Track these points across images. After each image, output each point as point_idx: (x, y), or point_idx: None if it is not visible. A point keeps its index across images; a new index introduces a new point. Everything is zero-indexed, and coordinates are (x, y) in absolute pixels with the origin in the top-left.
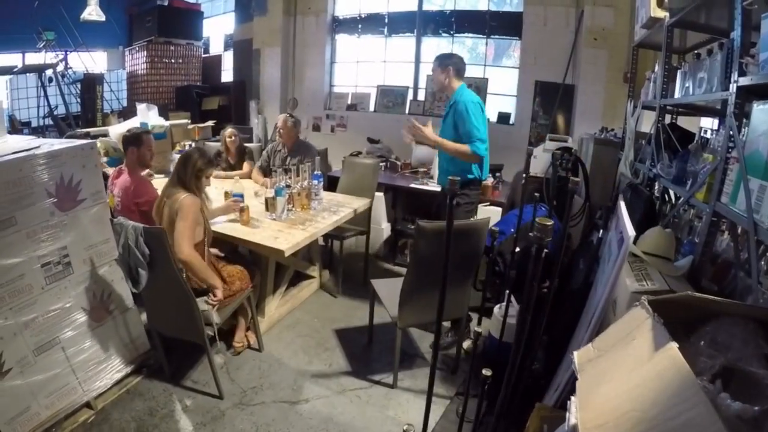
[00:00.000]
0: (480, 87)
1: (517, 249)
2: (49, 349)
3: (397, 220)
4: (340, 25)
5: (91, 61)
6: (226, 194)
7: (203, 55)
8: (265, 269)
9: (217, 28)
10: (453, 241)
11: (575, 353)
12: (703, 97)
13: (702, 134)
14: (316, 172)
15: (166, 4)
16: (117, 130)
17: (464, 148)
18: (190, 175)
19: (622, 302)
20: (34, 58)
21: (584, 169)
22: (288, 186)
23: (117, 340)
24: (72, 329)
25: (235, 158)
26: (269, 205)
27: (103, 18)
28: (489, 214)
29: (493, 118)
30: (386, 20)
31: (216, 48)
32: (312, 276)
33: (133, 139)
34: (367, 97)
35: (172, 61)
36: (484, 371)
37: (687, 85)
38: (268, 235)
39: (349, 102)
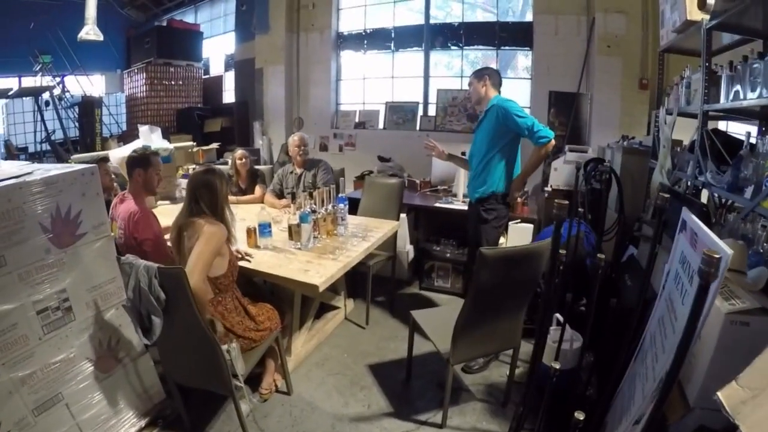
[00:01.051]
0: None
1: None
2: (51, 407)
3: (420, 241)
4: (345, 41)
5: (89, 84)
6: (249, 232)
7: (203, 76)
8: (290, 304)
9: (217, 48)
10: (515, 267)
11: (720, 394)
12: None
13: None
14: (340, 195)
15: (164, 24)
16: (118, 154)
17: (535, 152)
18: (216, 204)
19: (712, 325)
20: (30, 82)
21: (618, 180)
22: (313, 211)
23: (128, 391)
24: (76, 383)
25: (246, 182)
26: (293, 233)
27: (101, 38)
28: (521, 232)
29: None
30: (392, 35)
31: (216, 69)
32: (337, 306)
33: (141, 160)
34: (376, 114)
35: (172, 82)
36: (576, 414)
37: (735, 89)
38: (296, 268)
39: (357, 120)
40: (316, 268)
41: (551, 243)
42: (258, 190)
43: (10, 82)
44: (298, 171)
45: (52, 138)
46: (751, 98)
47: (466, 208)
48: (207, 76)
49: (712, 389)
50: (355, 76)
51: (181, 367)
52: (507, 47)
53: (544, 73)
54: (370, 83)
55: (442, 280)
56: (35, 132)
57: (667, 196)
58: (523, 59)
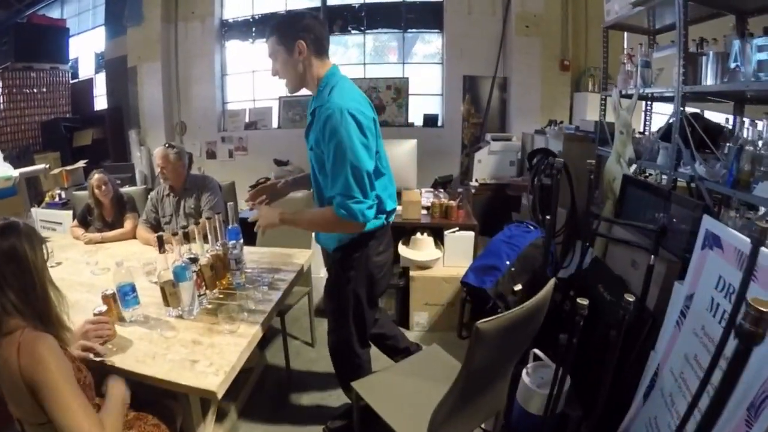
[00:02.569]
0: (401, 88)
1: (519, 287)
2: None
3: None
4: (230, 29)
5: None
6: (107, 301)
7: (71, 81)
8: (186, 403)
9: (86, 46)
10: (517, 331)
11: None
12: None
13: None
14: (230, 226)
15: (23, 21)
16: None
17: (327, 214)
18: (31, 291)
19: None
20: None
21: (569, 174)
22: (193, 260)
23: None
24: None
25: (113, 213)
26: (168, 295)
27: None
28: (461, 243)
29: (419, 121)
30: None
31: (86, 71)
32: (248, 367)
33: None
34: (269, 112)
35: (35, 90)
36: None
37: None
38: (179, 358)
39: (247, 120)
40: (209, 354)
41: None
42: (128, 222)
43: None
44: (174, 196)
45: None
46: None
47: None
48: (75, 80)
49: None
50: (244, 70)
51: None
52: (415, 29)
53: (456, 57)
54: (261, 77)
55: None
56: None
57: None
58: (432, 42)
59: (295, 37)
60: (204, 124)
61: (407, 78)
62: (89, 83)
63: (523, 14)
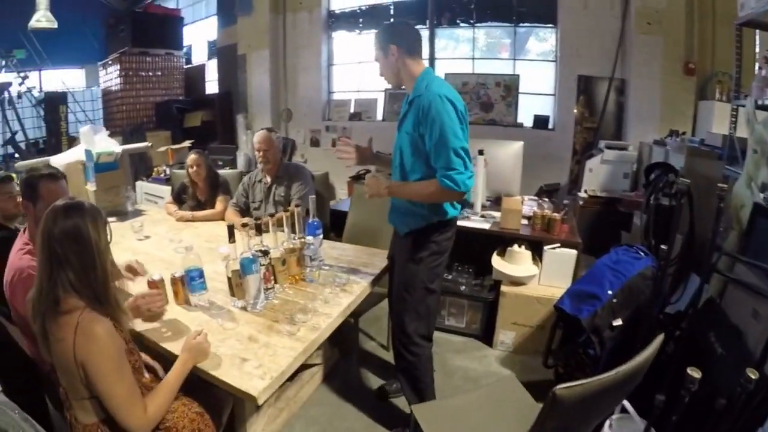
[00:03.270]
0: (510, 86)
1: (619, 322)
2: None
3: None
4: (338, 20)
5: (68, 78)
6: (175, 283)
7: (185, 66)
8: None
9: (200, 34)
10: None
11: None
12: None
13: None
14: (311, 220)
15: (140, 11)
16: (61, 160)
17: (432, 187)
18: (91, 270)
19: None
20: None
21: (690, 197)
22: (263, 252)
23: None
24: None
25: (206, 193)
26: (233, 286)
27: (55, 25)
28: (560, 262)
29: (528, 122)
30: (392, 11)
31: (199, 57)
32: (314, 364)
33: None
34: (374, 104)
35: (150, 73)
36: None
37: None
38: (229, 353)
39: (351, 110)
40: (260, 354)
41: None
42: (219, 203)
43: None
44: (268, 180)
45: (17, 139)
46: None
47: (486, 226)
48: (189, 66)
49: None
50: (350, 61)
51: None
52: (526, 24)
53: (571, 55)
54: (367, 68)
55: (455, 318)
56: (2, 133)
57: None
58: (547, 39)
59: (389, 42)
60: (309, 112)
61: (518, 75)
62: (201, 69)
63: (643, 10)
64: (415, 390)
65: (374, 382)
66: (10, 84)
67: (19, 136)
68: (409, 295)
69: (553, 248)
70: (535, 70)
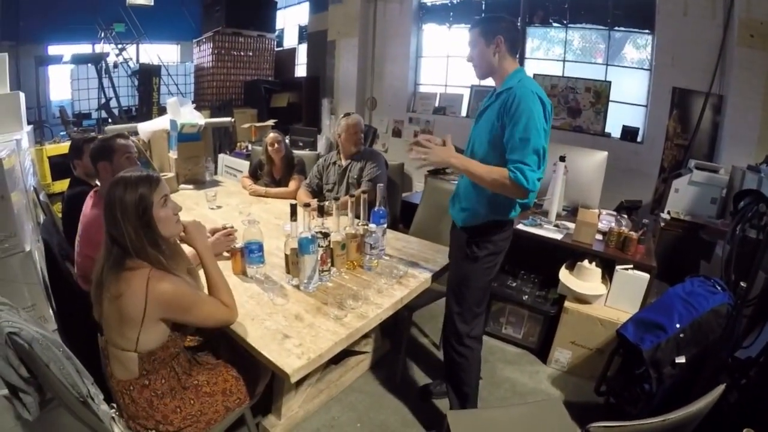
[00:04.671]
0: (601, 93)
1: (682, 359)
2: None
3: None
4: (428, 12)
5: (163, 53)
6: (234, 254)
7: (276, 49)
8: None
9: (292, 19)
10: None
11: None
12: None
13: None
14: (377, 208)
15: None
16: (147, 127)
17: (499, 174)
18: (150, 233)
19: None
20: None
21: None
22: (324, 234)
23: None
24: None
25: (281, 171)
26: (290, 263)
27: (151, 2)
28: (630, 284)
29: (615, 132)
30: (483, 6)
31: (290, 41)
32: (363, 351)
33: (101, 150)
34: (459, 100)
35: (241, 53)
36: None
37: None
38: (272, 328)
39: (436, 104)
40: (303, 334)
41: None
42: (293, 182)
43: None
44: (344, 162)
45: (111, 105)
46: None
47: (558, 237)
48: (280, 49)
49: None
50: (438, 54)
51: None
52: (622, 28)
53: (667, 64)
54: (455, 63)
55: (512, 327)
56: (98, 99)
57: None
58: (643, 48)
59: (496, 33)
60: (394, 103)
61: (610, 82)
62: (292, 52)
63: (748, 21)
64: (459, 393)
65: (420, 379)
66: (107, 54)
67: (113, 103)
68: (461, 293)
69: (626, 269)
70: (628, 77)
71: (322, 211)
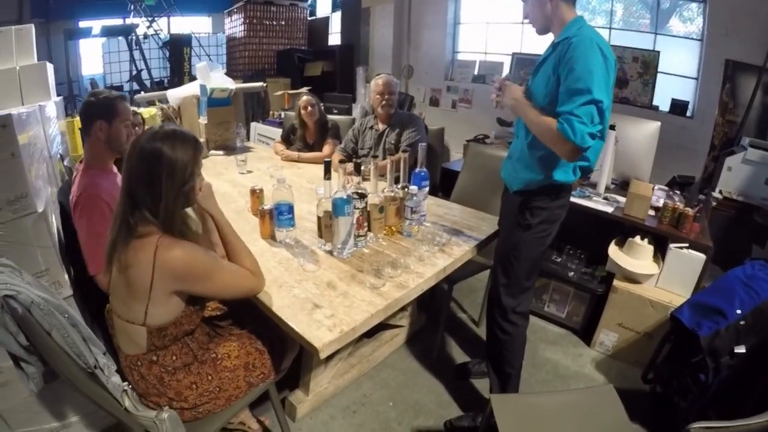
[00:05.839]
0: (649, 63)
1: (742, 349)
2: None
3: None
4: None
5: (195, 25)
6: (263, 216)
7: (309, 17)
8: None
9: None
10: None
11: None
12: None
13: None
14: (418, 170)
15: None
16: (176, 93)
17: (549, 124)
18: (176, 193)
19: None
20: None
21: None
22: (360, 195)
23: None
24: None
25: (314, 136)
26: (322, 227)
27: None
28: (685, 265)
29: (663, 106)
30: None
31: (323, 10)
32: (398, 325)
33: (102, 107)
34: (499, 67)
35: (273, 23)
36: None
37: None
38: (300, 297)
39: (475, 72)
40: (336, 303)
41: None
42: (327, 147)
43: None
44: (381, 127)
45: (142, 77)
46: None
47: (609, 210)
48: (313, 18)
49: None
50: (477, 20)
51: None
52: None
53: (720, 34)
54: (495, 29)
55: (556, 305)
56: (130, 71)
57: None
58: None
59: None
60: (431, 71)
61: (658, 52)
62: (325, 21)
63: None
64: (500, 373)
65: (458, 356)
66: (136, 26)
67: (145, 75)
68: (510, 263)
69: (680, 248)
70: (678, 48)
71: (359, 170)
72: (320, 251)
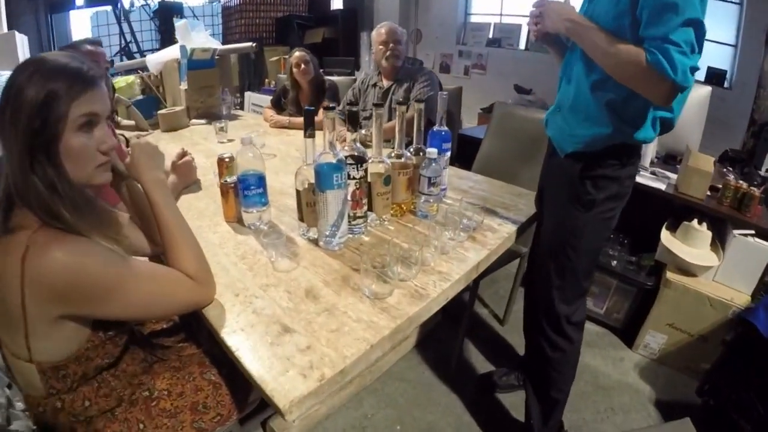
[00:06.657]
0: None
1: None
2: None
3: None
4: None
5: None
6: (225, 192)
7: None
8: None
9: None
10: None
11: None
12: None
13: None
14: (437, 128)
15: None
16: (156, 59)
17: (633, 54)
18: (20, 152)
19: None
20: None
21: None
22: (357, 159)
23: None
24: None
25: (309, 98)
26: (303, 206)
27: None
28: (753, 255)
29: (699, 74)
30: None
31: None
32: None
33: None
34: (517, 31)
35: None
36: None
37: None
38: (265, 317)
39: (490, 35)
40: (315, 327)
41: None
42: (323, 110)
43: None
44: (385, 83)
45: (131, 50)
46: None
47: (661, 187)
48: None
49: None
50: None
51: None
52: None
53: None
54: None
55: (593, 300)
56: (120, 45)
57: None
58: None
59: None
60: (441, 35)
61: None
62: None
63: None
64: (544, 398)
65: (479, 364)
66: None
67: (134, 48)
68: (567, 258)
69: (745, 235)
70: (714, 11)
71: (354, 122)
72: (301, 240)
